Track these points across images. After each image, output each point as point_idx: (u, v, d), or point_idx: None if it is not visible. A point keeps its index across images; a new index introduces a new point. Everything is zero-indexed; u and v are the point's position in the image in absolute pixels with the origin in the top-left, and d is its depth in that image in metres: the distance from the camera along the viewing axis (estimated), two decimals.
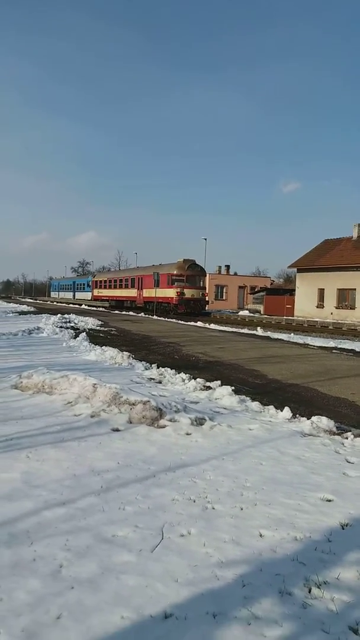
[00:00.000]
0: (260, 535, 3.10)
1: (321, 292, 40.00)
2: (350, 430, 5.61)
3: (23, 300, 74.51)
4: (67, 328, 18.46)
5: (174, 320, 30.38)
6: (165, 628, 2.22)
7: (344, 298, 38.20)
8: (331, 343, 17.39)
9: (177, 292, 38.42)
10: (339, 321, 32.91)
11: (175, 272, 39.37)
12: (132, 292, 47.95)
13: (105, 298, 56.03)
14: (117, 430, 5.34)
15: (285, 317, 36.85)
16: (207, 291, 42.55)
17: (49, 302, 66.18)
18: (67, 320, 23.13)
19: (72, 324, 21.11)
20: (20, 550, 2.81)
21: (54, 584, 2.51)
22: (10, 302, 54.73)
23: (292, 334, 21.22)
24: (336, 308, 38.34)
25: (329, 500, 3.66)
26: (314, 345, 16.22)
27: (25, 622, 2.22)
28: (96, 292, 59.59)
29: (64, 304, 58.17)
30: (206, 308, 42.01)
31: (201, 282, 41.06)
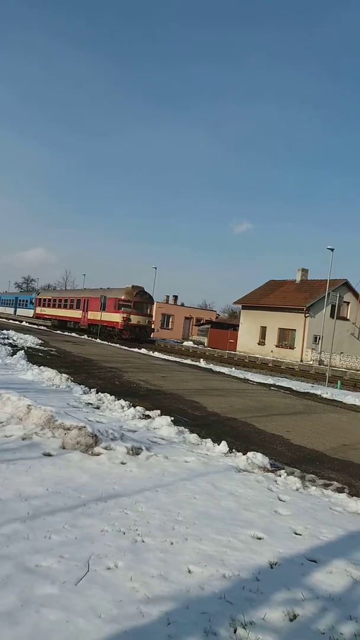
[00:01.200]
0: (189, 572, 3.04)
1: (263, 329, 41.06)
2: (283, 468, 5.69)
3: None
4: (5, 344, 17.87)
5: (117, 345, 30.12)
6: None
7: (284, 337, 39.37)
8: (270, 380, 17.75)
9: (123, 317, 38.25)
10: (279, 359, 33.77)
11: (123, 297, 39.26)
12: (76, 313, 47.27)
13: (48, 317, 54.88)
14: (49, 455, 5.16)
15: (227, 351, 37.39)
16: (153, 319, 42.61)
17: None
18: (6, 336, 22.41)
19: (11, 341, 20.47)
20: None
21: None
22: None
23: (233, 368, 21.54)
24: (276, 346, 39.41)
25: (260, 538, 3.66)
26: (253, 381, 16.49)
27: None
28: (39, 309, 58.28)
29: (3, 319, 56.44)
30: (151, 335, 41.98)
31: (148, 310, 41.12)
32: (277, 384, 16.77)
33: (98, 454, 5.31)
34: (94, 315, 42.30)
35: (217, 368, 20.40)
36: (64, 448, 5.42)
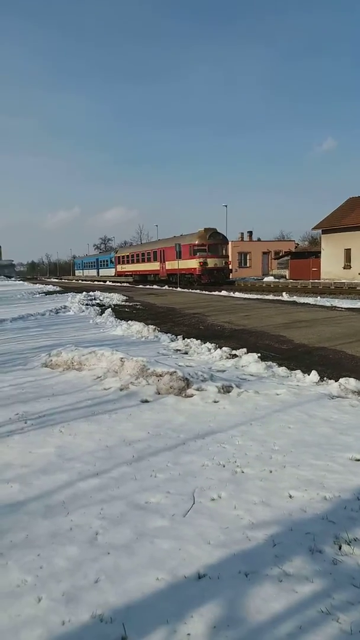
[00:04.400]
0: (290, 497, 3.15)
1: (348, 252, 39.18)
2: None
3: (48, 280, 75.41)
4: (93, 305, 18.65)
5: (198, 291, 30.32)
6: (199, 588, 2.30)
7: None
8: (359, 304, 17.13)
9: (199, 263, 38.10)
10: None
11: (196, 242, 38.95)
12: (155, 266, 47.84)
13: (128, 273, 56.12)
14: (146, 401, 5.44)
15: (311, 281, 36.35)
16: (230, 259, 42.10)
17: (73, 281, 66.79)
18: (93, 297, 23.34)
19: (98, 301, 21.31)
20: (58, 521, 2.93)
21: (90, 551, 2.62)
22: (36, 283, 55.46)
23: (318, 297, 20.99)
24: None
25: (358, 460, 3.68)
26: (341, 308, 16.01)
27: (65, 587, 2.33)
28: (119, 267, 59.73)
29: (88, 282, 58.58)
30: (230, 277, 41.65)
31: (223, 251, 40.52)
32: None
33: (191, 396, 5.51)
34: (171, 264, 42.55)
35: (302, 299, 19.98)
36: (158, 393, 5.67)
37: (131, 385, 5.99)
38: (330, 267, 40.48)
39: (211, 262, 38.51)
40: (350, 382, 5.72)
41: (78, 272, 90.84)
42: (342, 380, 5.81)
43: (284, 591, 2.26)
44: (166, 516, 2.95)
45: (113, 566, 2.48)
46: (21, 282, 70.27)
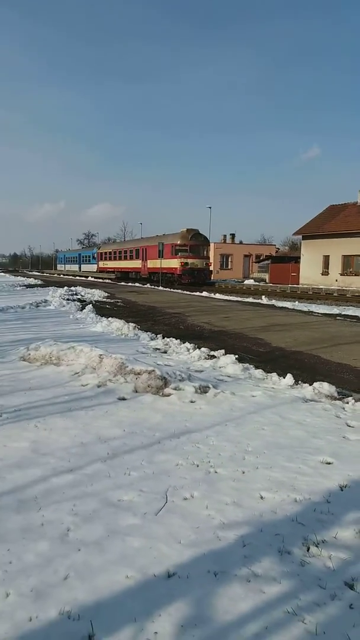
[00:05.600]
0: (261, 498, 3.19)
1: (326, 259, 39.68)
2: (351, 395, 5.68)
3: (30, 273, 74.65)
4: (74, 300, 18.54)
5: (179, 290, 30.36)
6: (168, 586, 2.32)
7: (349, 264, 37.92)
8: (335, 310, 17.39)
9: (181, 263, 38.11)
10: (344, 288, 32.78)
11: (178, 242, 38.94)
12: (136, 263, 47.71)
13: (110, 270, 55.81)
14: (123, 399, 5.43)
15: (290, 285, 36.68)
16: (210, 261, 42.18)
17: (55, 275, 66.20)
18: (74, 292, 23.19)
19: (79, 297, 21.19)
20: (29, 516, 2.92)
21: (61, 547, 2.61)
22: (17, 276, 54.97)
23: (296, 302, 21.22)
24: (341, 275, 38.10)
25: (329, 463, 3.75)
26: (317, 313, 16.22)
27: (34, 582, 2.32)
28: (101, 264, 59.36)
29: (70, 277, 58.18)
30: (211, 278, 41.79)
31: (205, 252, 40.60)
32: (343, 313, 16.41)
33: (168, 395, 5.53)
34: (153, 263, 42.49)
35: (280, 303, 20.18)
36: (136, 392, 5.68)
37: (109, 382, 5.99)
38: (309, 273, 40.93)
39: (192, 263, 38.57)
40: (324, 387, 5.80)
41: (60, 267, 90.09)
42: (316, 384, 5.89)
43: (252, 591, 2.29)
44: (138, 514, 2.96)
45: (83, 563, 2.48)
46: (2, 274, 69.51)
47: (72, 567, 2.45)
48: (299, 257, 43.71)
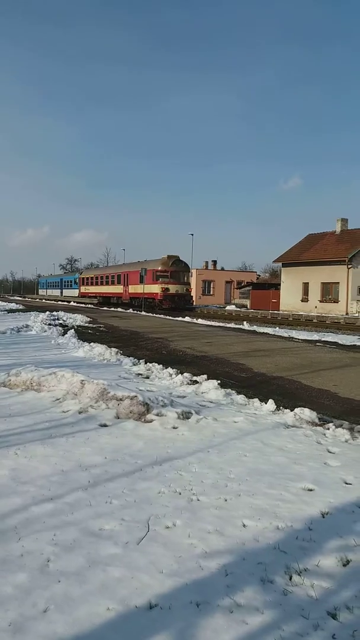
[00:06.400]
0: (244, 526, 3.18)
1: (306, 285, 40.34)
2: (332, 421, 5.71)
3: (11, 298, 74.11)
4: (56, 325, 18.44)
5: (162, 315, 30.43)
6: (150, 618, 2.28)
7: (328, 292, 38.57)
8: (315, 336, 17.58)
9: (162, 288, 38.43)
10: (323, 314, 33.24)
11: (159, 268, 39.34)
12: (118, 289, 47.87)
13: (92, 294, 55.82)
14: (104, 425, 5.39)
15: (271, 311, 37.06)
16: (191, 287, 42.58)
17: (37, 300, 65.87)
18: (56, 317, 23.08)
19: (61, 321, 21.09)
20: (8, 546, 2.86)
21: (41, 578, 2.56)
22: None
23: (277, 328, 21.43)
24: (320, 302, 38.72)
25: (311, 490, 3.75)
26: (298, 339, 16.38)
27: (12, 616, 2.27)
28: (83, 289, 59.34)
29: (52, 301, 57.93)
30: (192, 303, 42.07)
31: (185, 278, 41.03)
32: (323, 339, 16.58)
33: (150, 421, 5.50)
34: (134, 288, 42.75)
35: (261, 329, 20.34)
36: (118, 418, 5.64)
37: (90, 408, 5.94)
38: (289, 299, 41.49)
39: (173, 288, 38.91)
40: (305, 412, 5.84)
41: (42, 291, 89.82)
42: (297, 410, 5.93)
43: (235, 622, 2.27)
44: (119, 544, 2.92)
45: (63, 594, 2.43)
46: None
47: (51, 599, 2.39)
48: (280, 284, 44.37)
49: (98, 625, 2.23)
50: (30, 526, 3.10)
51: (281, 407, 6.27)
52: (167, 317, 28.79)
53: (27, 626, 2.21)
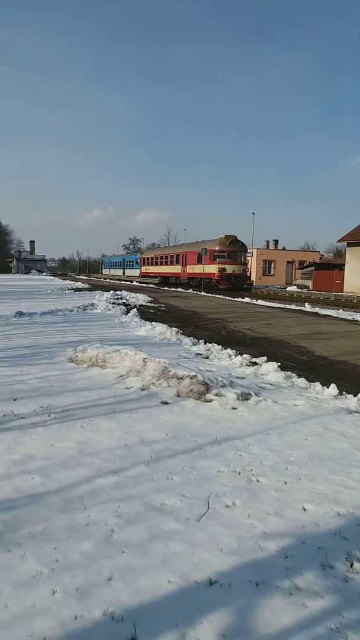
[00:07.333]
0: (304, 509, 3.16)
1: None
2: None
3: (78, 277, 76.00)
4: (119, 304, 18.80)
5: (221, 296, 30.31)
6: (210, 594, 2.34)
7: None
8: None
9: (218, 268, 38.21)
10: None
11: (216, 248, 39.03)
12: (176, 269, 48.03)
13: (152, 274, 56.34)
14: (165, 403, 5.48)
15: (334, 293, 36.01)
16: (247, 267, 42.02)
17: (102, 279, 67.28)
18: (119, 296, 23.51)
19: (124, 301, 21.46)
20: (75, 515, 2.99)
21: (105, 548, 2.67)
22: (66, 279, 56.23)
23: (340, 310, 20.80)
24: None
25: None
26: None
27: (79, 582, 2.39)
28: (144, 269, 59.98)
29: (115, 281, 58.99)
30: (248, 283, 41.54)
31: (242, 258, 40.50)
32: None
33: (210, 401, 5.54)
34: (192, 268, 42.75)
35: (324, 311, 19.84)
36: (178, 396, 5.72)
37: (152, 385, 6.05)
38: (353, 281, 40.02)
39: (230, 269, 38.56)
40: None
41: (105, 271, 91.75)
42: None
43: (294, 605, 2.28)
44: (180, 519, 2.99)
45: (127, 565, 2.53)
46: (52, 277, 71.36)
47: (115, 569, 2.50)
48: (344, 265, 42.84)
49: (160, 596, 2.31)
50: (95, 497, 3.23)
51: (344, 392, 6.14)
52: (226, 297, 28.64)
53: (92, 592, 2.32)
